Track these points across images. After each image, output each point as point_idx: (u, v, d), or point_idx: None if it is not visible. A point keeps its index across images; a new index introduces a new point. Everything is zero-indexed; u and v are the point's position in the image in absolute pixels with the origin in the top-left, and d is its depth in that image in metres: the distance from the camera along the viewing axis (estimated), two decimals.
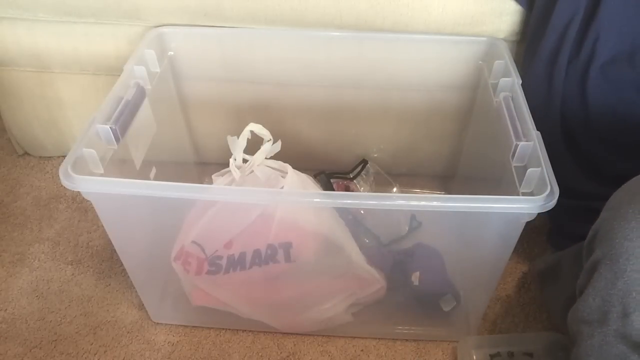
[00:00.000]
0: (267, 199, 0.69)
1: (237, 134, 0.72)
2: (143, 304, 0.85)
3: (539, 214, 0.61)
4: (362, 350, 0.82)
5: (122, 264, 0.85)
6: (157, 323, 0.85)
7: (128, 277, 0.83)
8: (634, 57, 0.76)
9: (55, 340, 0.83)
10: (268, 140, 0.73)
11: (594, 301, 0.54)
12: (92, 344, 0.82)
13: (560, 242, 0.85)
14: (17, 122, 1.08)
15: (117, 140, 0.70)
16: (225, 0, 0.84)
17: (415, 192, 1.06)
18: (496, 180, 0.75)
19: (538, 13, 0.80)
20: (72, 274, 0.92)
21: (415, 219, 0.80)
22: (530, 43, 0.82)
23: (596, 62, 0.76)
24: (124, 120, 0.71)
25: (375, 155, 1.04)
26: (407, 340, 0.83)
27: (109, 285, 0.90)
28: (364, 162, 1.03)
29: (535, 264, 0.89)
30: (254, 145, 0.73)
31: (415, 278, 0.78)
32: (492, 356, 0.76)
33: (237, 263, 0.74)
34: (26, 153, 1.15)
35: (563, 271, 0.76)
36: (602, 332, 0.53)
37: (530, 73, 0.81)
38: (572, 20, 0.76)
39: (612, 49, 0.76)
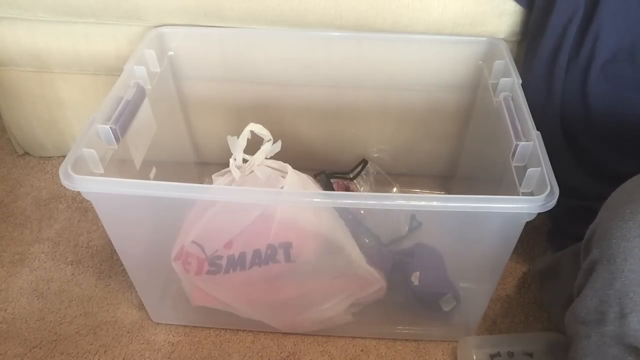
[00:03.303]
0: (267, 199, 0.69)
1: (237, 134, 0.72)
2: (143, 304, 0.85)
3: (539, 213, 0.61)
4: (362, 350, 0.82)
5: (122, 264, 0.85)
6: (157, 323, 0.85)
7: (128, 277, 0.83)
8: (635, 56, 0.76)
9: (55, 340, 0.83)
10: (268, 140, 0.73)
11: (592, 302, 0.54)
12: (92, 344, 0.82)
13: (560, 242, 0.85)
14: (17, 122, 1.08)
15: (117, 140, 0.70)
16: (225, 0, 0.84)
17: (415, 192, 1.06)
18: (496, 180, 0.75)
19: (538, 13, 0.80)
20: (72, 274, 0.92)
21: (415, 219, 0.80)
22: (530, 43, 0.82)
23: (597, 61, 0.76)
24: (124, 120, 0.71)
25: (375, 155, 1.04)
26: (407, 340, 0.83)
27: (109, 285, 0.90)
28: (364, 162, 1.03)
29: (535, 264, 0.89)
30: (254, 145, 0.73)
31: (415, 278, 0.78)
32: (492, 356, 0.76)
33: (237, 263, 0.74)
34: (26, 153, 1.15)
35: (563, 271, 0.76)
36: (599, 332, 0.53)
37: (531, 73, 0.81)
38: (572, 19, 0.76)
39: (613, 47, 0.76)
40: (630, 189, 0.54)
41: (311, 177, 0.78)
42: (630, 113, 0.78)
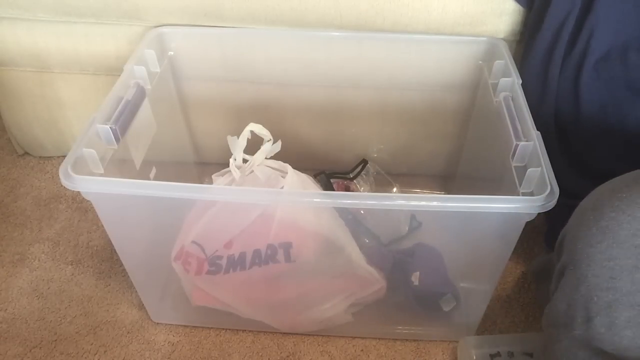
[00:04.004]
0: (267, 199, 0.69)
1: (237, 134, 0.72)
2: (143, 304, 0.85)
3: (539, 214, 0.61)
4: (362, 350, 0.82)
5: (122, 264, 0.85)
6: (157, 323, 0.85)
7: (128, 277, 0.83)
8: (626, 54, 0.76)
9: (55, 340, 0.83)
10: (268, 140, 0.73)
11: (561, 306, 0.55)
12: (92, 344, 0.82)
13: (554, 241, 0.85)
14: (17, 122, 1.08)
15: (117, 140, 0.70)
16: (225, 0, 0.84)
17: (415, 192, 1.06)
18: (496, 180, 0.75)
19: (536, 12, 0.80)
20: (72, 274, 0.92)
21: (415, 219, 0.80)
22: (527, 42, 0.82)
23: (590, 59, 0.76)
24: (124, 120, 0.71)
25: (375, 155, 1.04)
26: (407, 340, 0.83)
27: (109, 285, 0.90)
28: (364, 162, 1.03)
29: (532, 265, 0.89)
30: (254, 145, 0.73)
31: (415, 278, 0.78)
32: (492, 356, 0.76)
33: (237, 263, 0.74)
34: (26, 153, 1.15)
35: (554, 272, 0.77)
36: (568, 336, 0.54)
37: (526, 71, 0.81)
38: (568, 17, 0.76)
39: (606, 45, 0.76)
40: (596, 195, 0.55)
41: (311, 177, 0.78)
42: (621, 112, 0.78)
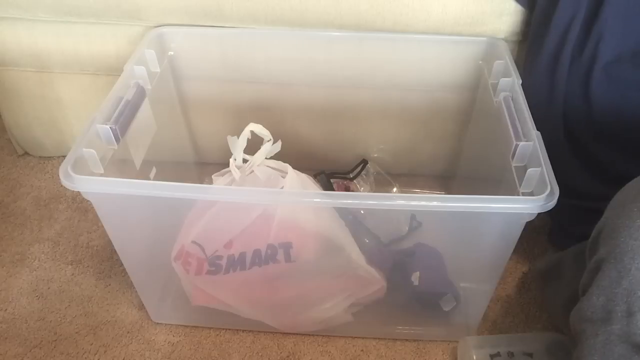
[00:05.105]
0: (267, 199, 0.69)
1: (237, 134, 0.72)
2: (143, 304, 0.85)
3: (539, 213, 0.61)
4: (362, 350, 0.82)
5: (122, 264, 0.85)
6: (157, 323, 0.85)
7: (128, 277, 0.83)
8: (638, 56, 0.76)
9: (55, 340, 0.83)
10: (268, 140, 0.73)
11: (598, 300, 0.53)
12: (92, 344, 0.82)
13: (561, 241, 0.85)
14: (17, 122, 1.08)
15: (117, 140, 0.70)
16: (225, 0, 0.84)
17: (415, 192, 1.06)
18: (496, 180, 0.75)
19: (539, 12, 0.80)
20: (72, 274, 0.92)
21: (415, 219, 0.80)
22: (532, 42, 0.82)
23: (599, 62, 0.76)
24: (124, 120, 0.72)
25: (375, 155, 1.04)
26: (407, 340, 0.83)
27: (109, 285, 0.90)
28: (364, 162, 1.03)
29: (536, 264, 0.89)
30: (254, 145, 0.73)
31: (415, 278, 0.78)
32: (492, 356, 0.76)
33: (237, 263, 0.74)
34: (26, 153, 1.15)
35: (564, 271, 0.76)
36: (606, 331, 0.52)
37: (533, 72, 0.81)
38: (574, 19, 0.76)
39: (616, 48, 0.76)
40: (637, 187, 0.54)
41: (311, 177, 0.78)
42: (633, 114, 0.77)
